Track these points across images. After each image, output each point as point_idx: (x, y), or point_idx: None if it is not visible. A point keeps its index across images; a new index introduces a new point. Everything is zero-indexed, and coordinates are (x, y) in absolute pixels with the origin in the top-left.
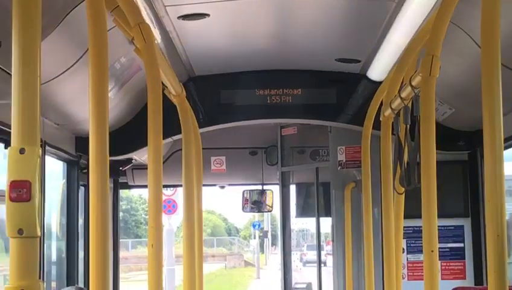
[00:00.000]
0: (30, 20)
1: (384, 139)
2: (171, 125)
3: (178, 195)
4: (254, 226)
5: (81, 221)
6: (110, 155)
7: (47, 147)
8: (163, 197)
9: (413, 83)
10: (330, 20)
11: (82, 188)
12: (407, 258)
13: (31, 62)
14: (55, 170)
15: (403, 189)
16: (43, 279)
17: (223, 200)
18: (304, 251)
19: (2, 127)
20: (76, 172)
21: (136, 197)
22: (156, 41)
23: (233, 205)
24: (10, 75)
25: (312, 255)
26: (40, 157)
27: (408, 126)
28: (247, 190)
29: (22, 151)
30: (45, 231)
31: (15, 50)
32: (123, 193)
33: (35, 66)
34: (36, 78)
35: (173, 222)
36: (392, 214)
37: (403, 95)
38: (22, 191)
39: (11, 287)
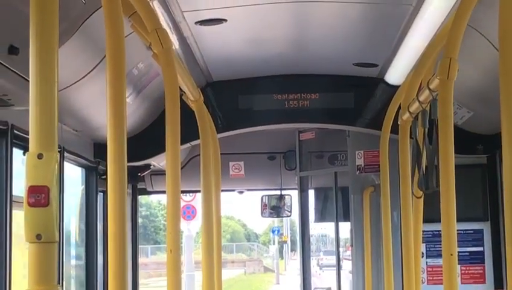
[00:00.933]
0: (47, 27)
1: (403, 143)
2: (190, 131)
3: (197, 201)
4: (273, 231)
5: (100, 227)
6: (129, 161)
7: (65, 153)
8: (182, 203)
9: (431, 86)
10: (347, 25)
11: (101, 194)
12: (426, 263)
13: (49, 69)
14: (74, 175)
15: (421, 193)
16: (61, 285)
17: (242, 205)
18: (320, 255)
19: (20, 134)
20: (95, 178)
21: (156, 203)
22: (173, 47)
23: (252, 210)
24: (29, 81)
25: (328, 259)
26: (58, 162)
27: (426, 130)
28: (265, 195)
29: (40, 156)
30: (64, 237)
31: (32, 57)
32: (142, 199)
33: (52, 73)
34: (54, 84)
35: (192, 228)
36: (411, 218)
37: (421, 98)
38: (40, 196)
39: None
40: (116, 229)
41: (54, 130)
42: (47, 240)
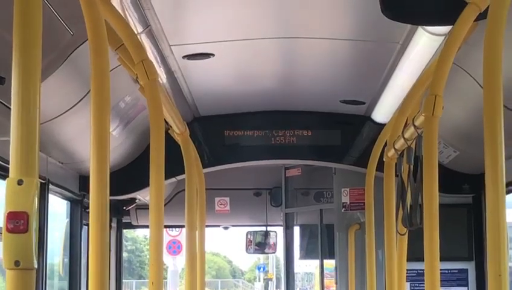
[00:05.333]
0: (30, 56)
1: (388, 180)
2: (176, 165)
3: (183, 236)
4: (259, 268)
5: (84, 260)
6: (114, 195)
7: (50, 186)
8: (169, 238)
9: (416, 123)
10: (335, 62)
11: (86, 227)
12: None
13: (31, 94)
14: (59, 209)
15: (405, 230)
16: None
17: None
18: None
19: (2, 163)
20: (79, 211)
21: (141, 237)
22: (160, 80)
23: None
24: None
25: None
26: (38, 189)
27: (411, 167)
28: (251, 231)
29: (20, 182)
30: (47, 269)
31: (14, 83)
32: (128, 233)
33: (34, 98)
34: (35, 110)
35: (178, 263)
36: (395, 256)
37: (406, 135)
38: (20, 222)
39: None
40: (97, 264)
41: (35, 156)
42: (25, 266)
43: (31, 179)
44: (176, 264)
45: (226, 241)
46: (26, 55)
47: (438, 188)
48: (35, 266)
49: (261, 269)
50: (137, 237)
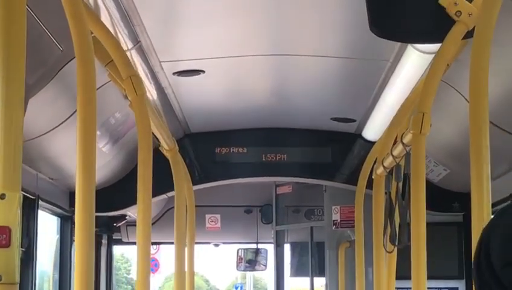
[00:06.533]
0: (13, 67)
1: (377, 197)
2: (166, 182)
3: (160, 253)
4: (236, 288)
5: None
6: (103, 211)
7: (40, 202)
8: None
9: (405, 141)
10: (326, 79)
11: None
12: None
13: (13, 107)
14: (49, 225)
15: (393, 248)
16: None
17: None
18: None
19: None
20: (69, 227)
21: (118, 256)
22: (149, 95)
23: (215, 265)
24: None
25: None
26: (21, 203)
27: (400, 184)
28: (241, 248)
29: (2, 197)
30: (37, 286)
31: None
32: None
33: (18, 113)
34: (19, 124)
35: (156, 281)
36: (384, 274)
37: (395, 153)
38: (2, 237)
39: None
40: (82, 281)
41: (18, 170)
42: (7, 281)
43: (14, 193)
44: (153, 282)
45: (204, 260)
46: (9, 70)
47: (425, 206)
48: (18, 280)
49: (238, 288)
50: (115, 255)
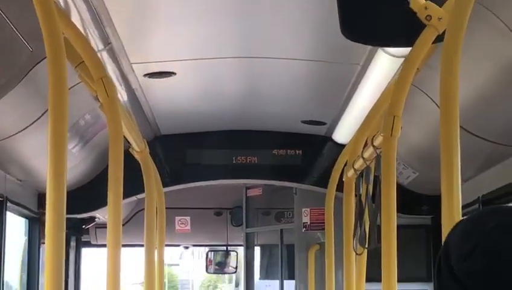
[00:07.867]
0: None
1: (347, 199)
2: (136, 184)
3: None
4: None
5: (42, 279)
6: (73, 213)
7: (8, 203)
8: None
9: (375, 143)
10: (296, 82)
11: (44, 246)
12: None
13: None
14: (18, 227)
15: (363, 250)
16: None
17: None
18: None
19: None
20: (38, 229)
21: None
22: (120, 97)
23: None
24: None
25: None
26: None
27: (370, 186)
28: (211, 251)
29: None
30: (5, 288)
31: None
32: None
33: None
34: None
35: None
36: (354, 276)
37: (365, 155)
38: None
39: None
40: (52, 283)
41: None
42: None
43: None
44: None
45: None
46: None
47: (395, 208)
48: None
49: None
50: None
